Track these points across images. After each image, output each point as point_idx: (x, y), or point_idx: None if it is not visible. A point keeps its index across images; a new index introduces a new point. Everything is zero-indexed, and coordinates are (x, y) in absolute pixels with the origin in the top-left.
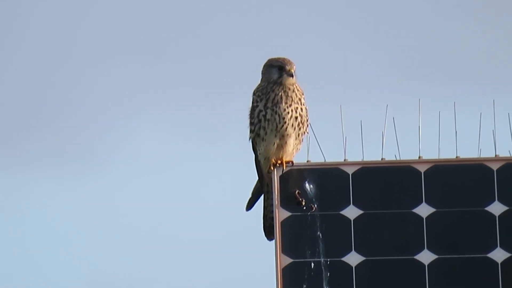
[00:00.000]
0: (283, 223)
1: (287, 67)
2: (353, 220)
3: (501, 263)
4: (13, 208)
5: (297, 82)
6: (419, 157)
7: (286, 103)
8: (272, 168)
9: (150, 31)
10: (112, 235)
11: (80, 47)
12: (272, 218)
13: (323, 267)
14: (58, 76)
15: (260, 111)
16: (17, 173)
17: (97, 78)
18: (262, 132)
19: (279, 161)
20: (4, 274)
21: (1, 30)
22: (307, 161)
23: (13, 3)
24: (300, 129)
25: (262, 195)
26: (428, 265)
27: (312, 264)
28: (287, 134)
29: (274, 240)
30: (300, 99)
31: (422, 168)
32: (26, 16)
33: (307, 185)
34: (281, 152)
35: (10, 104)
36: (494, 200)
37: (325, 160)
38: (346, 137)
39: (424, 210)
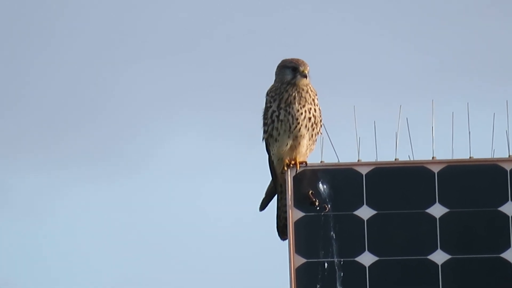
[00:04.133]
0: (297, 223)
1: (301, 68)
2: (367, 221)
3: None
4: (49, 207)
5: (311, 83)
6: (433, 157)
7: (299, 103)
8: (285, 168)
9: (187, 30)
10: (147, 235)
11: (115, 49)
12: (285, 218)
13: (336, 267)
14: (94, 77)
15: (274, 111)
16: (54, 173)
17: (133, 79)
18: (275, 132)
19: (292, 162)
20: (35, 271)
21: (38, 36)
22: (321, 161)
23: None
24: (313, 129)
25: (276, 195)
26: (441, 265)
27: (326, 264)
28: (301, 135)
29: (287, 240)
30: (313, 100)
31: (435, 169)
32: (63, 21)
33: (320, 185)
34: (295, 153)
35: (47, 105)
36: (508, 200)
37: (338, 160)
38: (359, 138)
39: (437, 210)
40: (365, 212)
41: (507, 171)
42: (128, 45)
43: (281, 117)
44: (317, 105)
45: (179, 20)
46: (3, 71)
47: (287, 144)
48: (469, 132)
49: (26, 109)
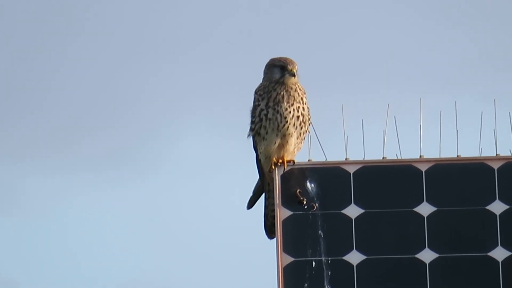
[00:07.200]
0: (284, 222)
1: (289, 67)
2: (354, 219)
3: (502, 262)
4: (62, 210)
5: (299, 82)
6: (420, 156)
7: (288, 102)
8: (273, 167)
9: (192, 31)
10: (159, 237)
11: (123, 54)
12: (273, 217)
13: (324, 266)
14: (105, 82)
15: (262, 110)
16: (68, 176)
17: (142, 82)
18: (263, 131)
19: (280, 160)
20: (47, 273)
21: (52, 44)
22: (309, 160)
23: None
24: (301, 128)
25: (263, 194)
26: (429, 264)
27: (313, 263)
28: (289, 134)
29: (275, 239)
30: (302, 99)
31: (423, 167)
32: (68, 25)
33: (308, 184)
34: (282, 151)
35: (60, 110)
36: (495, 199)
37: (326, 159)
38: (347, 136)
39: (425, 209)
40: (353, 211)
41: (494, 169)
42: (135, 50)
43: (270, 115)
44: (305, 104)
45: (185, 22)
46: (16, 75)
47: (275, 142)
48: (457, 131)
49: (40, 113)
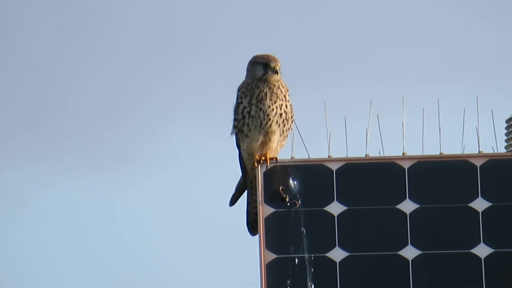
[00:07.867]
0: (267, 219)
1: (272, 64)
2: (337, 216)
3: (484, 259)
4: (66, 211)
5: (282, 79)
6: (403, 153)
7: (270, 99)
8: (256, 164)
9: (186, 31)
10: (149, 234)
11: (118, 54)
12: (256, 214)
13: (307, 263)
14: (100, 83)
15: (245, 107)
16: (66, 177)
17: (136, 82)
18: (245, 128)
19: (263, 158)
20: (54, 274)
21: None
22: (291, 157)
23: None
24: (284, 125)
25: (246, 191)
26: (411, 261)
27: (296, 260)
28: (272, 131)
29: (258, 236)
30: (285, 96)
31: (406, 165)
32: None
33: (291, 181)
34: (265, 149)
35: (59, 113)
36: (478, 196)
37: (309, 156)
38: (330, 134)
39: (407, 206)
40: (335, 208)
41: (477, 167)
42: (130, 50)
43: (252, 113)
44: (288, 101)
45: (183, 20)
46: (15, 77)
47: (258, 140)
48: (440, 128)
49: (41, 115)
